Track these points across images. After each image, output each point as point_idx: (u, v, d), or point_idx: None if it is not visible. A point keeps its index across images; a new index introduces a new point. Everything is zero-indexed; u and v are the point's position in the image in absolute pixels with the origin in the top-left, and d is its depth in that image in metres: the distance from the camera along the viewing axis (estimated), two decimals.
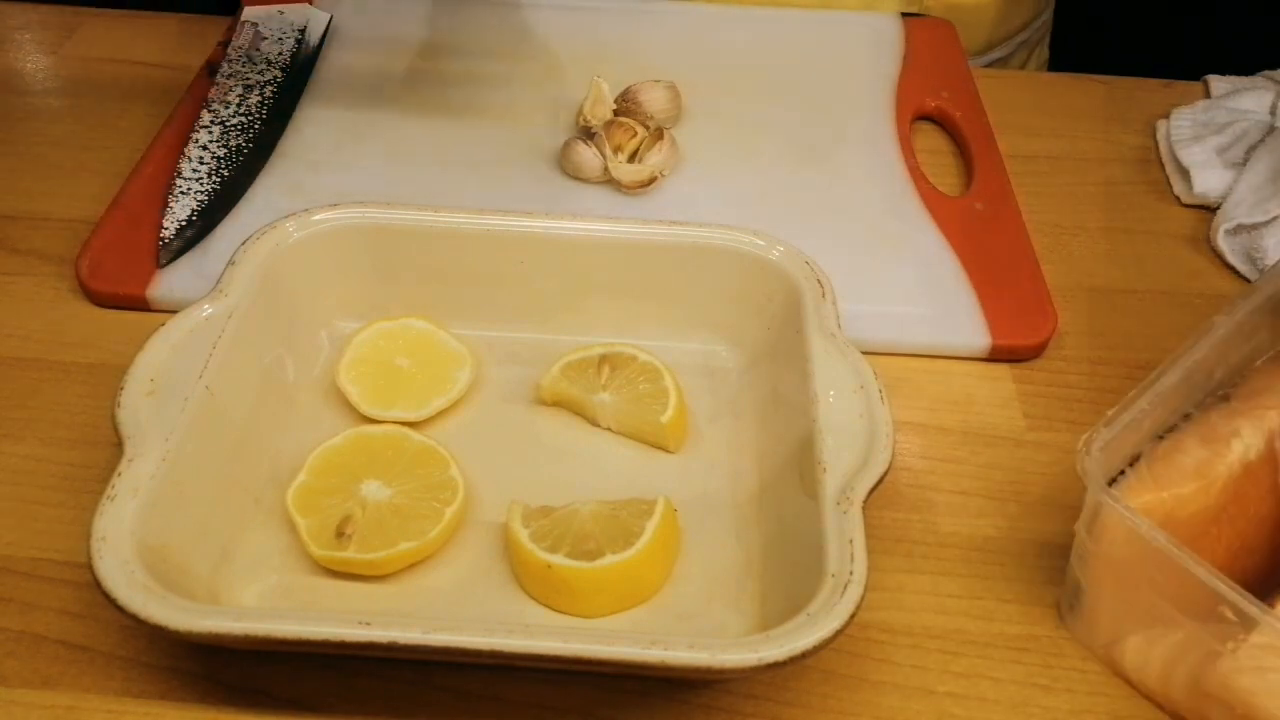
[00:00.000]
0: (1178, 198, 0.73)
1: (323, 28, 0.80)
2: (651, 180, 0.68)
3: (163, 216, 0.65)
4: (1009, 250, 0.67)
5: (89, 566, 0.43)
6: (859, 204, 0.69)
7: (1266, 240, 0.68)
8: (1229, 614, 0.42)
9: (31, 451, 0.55)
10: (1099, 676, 0.49)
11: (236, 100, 0.73)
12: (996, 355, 0.62)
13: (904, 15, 0.85)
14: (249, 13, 0.81)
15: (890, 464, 0.48)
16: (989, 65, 0.89)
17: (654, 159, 0.68)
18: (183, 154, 0.69)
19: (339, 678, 0.47)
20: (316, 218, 0.58)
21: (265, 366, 0.55)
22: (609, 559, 0.48)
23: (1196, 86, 0.82)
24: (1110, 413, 0.47)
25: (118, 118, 0.76)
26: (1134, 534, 0.44)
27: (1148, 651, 0.47)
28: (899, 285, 0.64)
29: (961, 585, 0.52)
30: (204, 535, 0.48)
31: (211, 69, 0.76)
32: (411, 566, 0.50)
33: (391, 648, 0.41)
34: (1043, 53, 0.96)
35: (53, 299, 0.63)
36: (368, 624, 0.42)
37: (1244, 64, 0.83)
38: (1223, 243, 0.69)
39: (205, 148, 0.69)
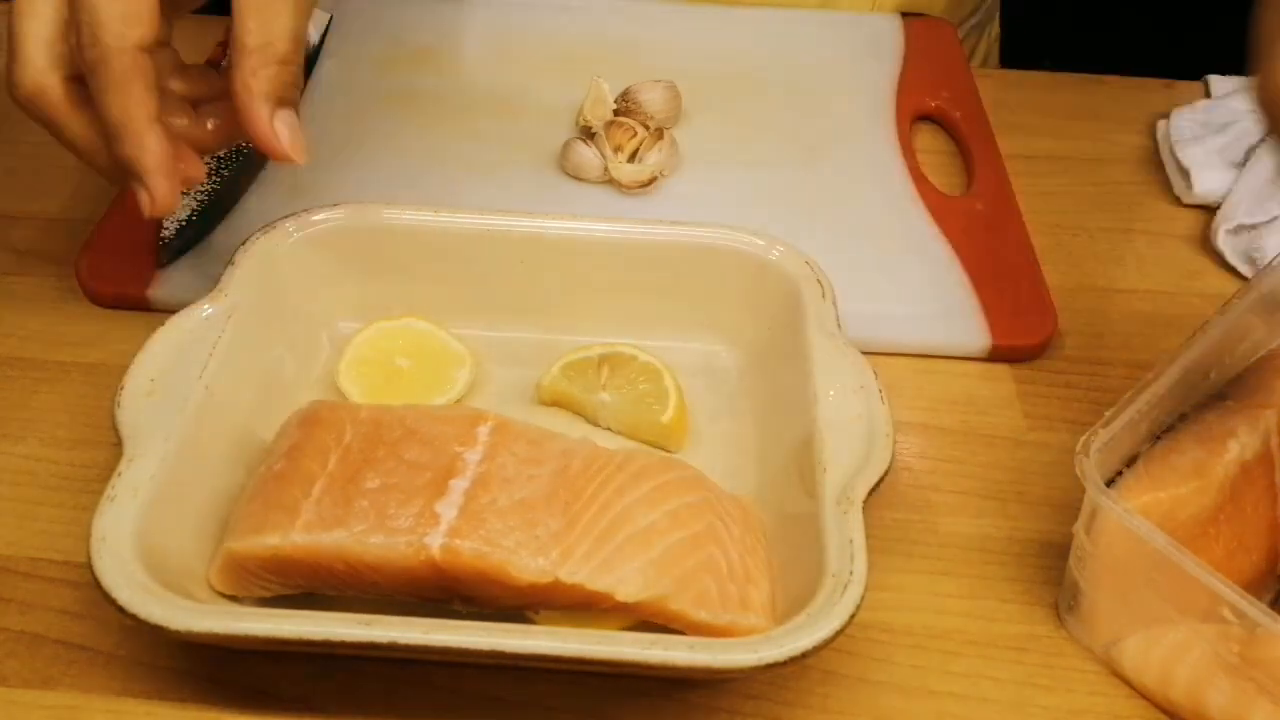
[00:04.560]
0: (1178, 198, 0.73)
1: (323, 28, 0.80)
2: (651, 180, 0.69)
3: (163, 216, 0.65)
4: (1009, 250, 0.67)
5: (89, 566, 0.43)
6: (859, 204, 0.69)
7: (1266, 240, 0.68)
8: (1228, 614, 0.42)
9: (31, 451, 0.55)
10: (1099, 676, 0.49)
11: None
12: (996, 355, 0.62)
13: (904, 15, 0.85)
14: None
15: (890, 464, 0.48)
16: None
17: (654, 159, 0.68)
18: None
19: (339, 678, 0.47)
20: (316, 218, 0.58)
21: (265, 366, 0.55)
22: None
23: (1196, 86, 0.82)
24: (1108, 414, 0.47)
25: None
26: (1132, 535, 0.44)
27: (1147, 652, 0.47)
28: (899, 285, 0.64)
29: (961, 585, 0.52)
30: (204, 535, 0.48)
31: (212, 68, 0.76)
32: None
33: (391, 648, 0.41)
34: (993, 30, 0.97)
35: (53, 299, 0.63)
36: (368, 624, 0.42)
37: (1244, 64, 0.83)
38: (1223, 243, 0.69)
39: None
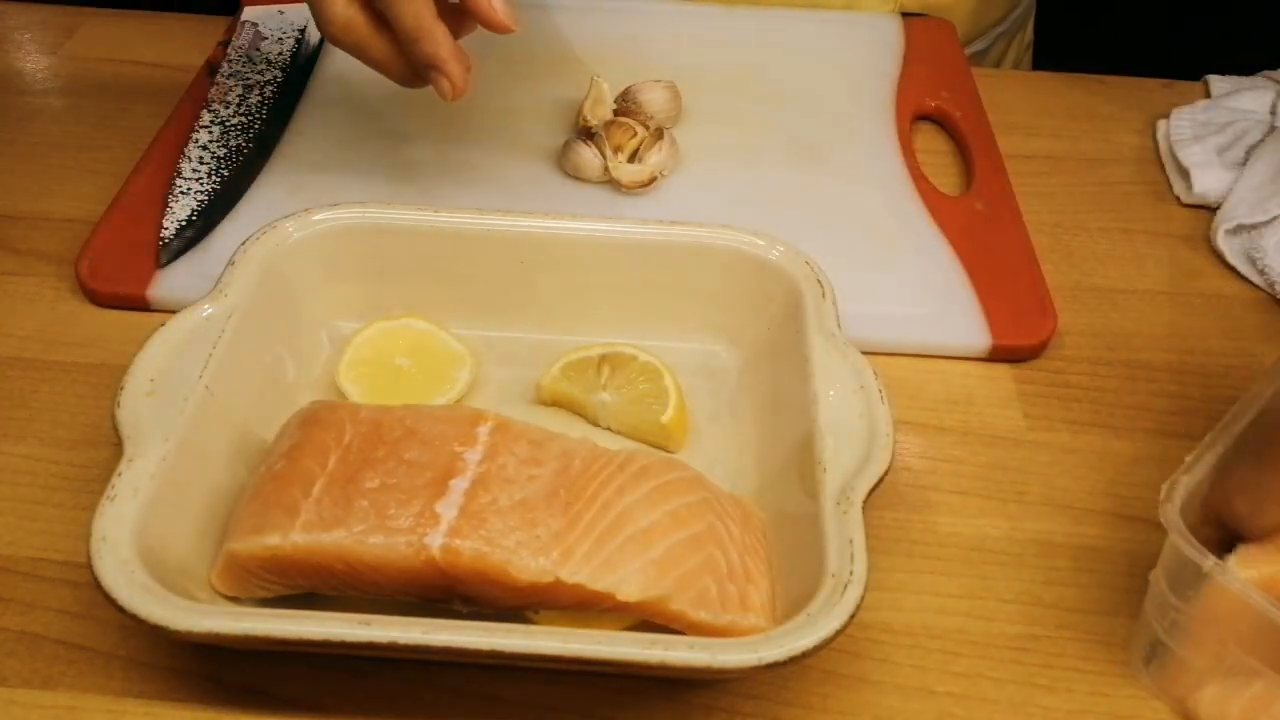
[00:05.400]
0: (1178, 198, 0.73)
1: None
2: (651, 180, 0.68)
3: (163, 216, 0.65)
4: (1009, 250, 0.67)
5: (89, 566, 0.43)
6: (859, 204, 0.69)
7: (1266, 240, 0.68)
8: None
9: (31, 451, 0.55)
10: (1099, 677, 0.49)
11: (236, 100, 0.73)
12: (996, 355, 0.62)
13: (904, 15, 0.85)
14: (249, 13, 0.81)
15: (890, 464, 0.48)
16: (969, 58, 0.89)
17: (654, 159, 0.68)
18: (183, 154, 0.69)
19: (339, 677, 0.47)
20: (316, 218, 0.58)
21: (265, 366, 0.55)
22: None
23: (1196, 86, 0.82)
24: (1188, 459, 0.45)
25: (118, 118, 0.76)
26: (1242, 603, 0.42)
27: (1225, 701, 0.46)
28: (899, 285, 0.64)
29: (961, 585, 0.52)
30: (204, 535, 0.48)
31: (211, 69, 0.76)
32: None
33: (391, 648, 0.41)
34: (1025, 37, 0.96)
35: (53, 299, 0.63)
36: (368, 624, 0.42)
37: (1244, 64, 0.83)
38: (1223, 243, 0.69)
39: (205, 148, 0.69)
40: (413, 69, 0.59)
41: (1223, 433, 0.47)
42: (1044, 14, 0.99)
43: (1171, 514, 0.43)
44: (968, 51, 0.89)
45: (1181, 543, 0.43)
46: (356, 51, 0.59)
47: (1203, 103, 0.78)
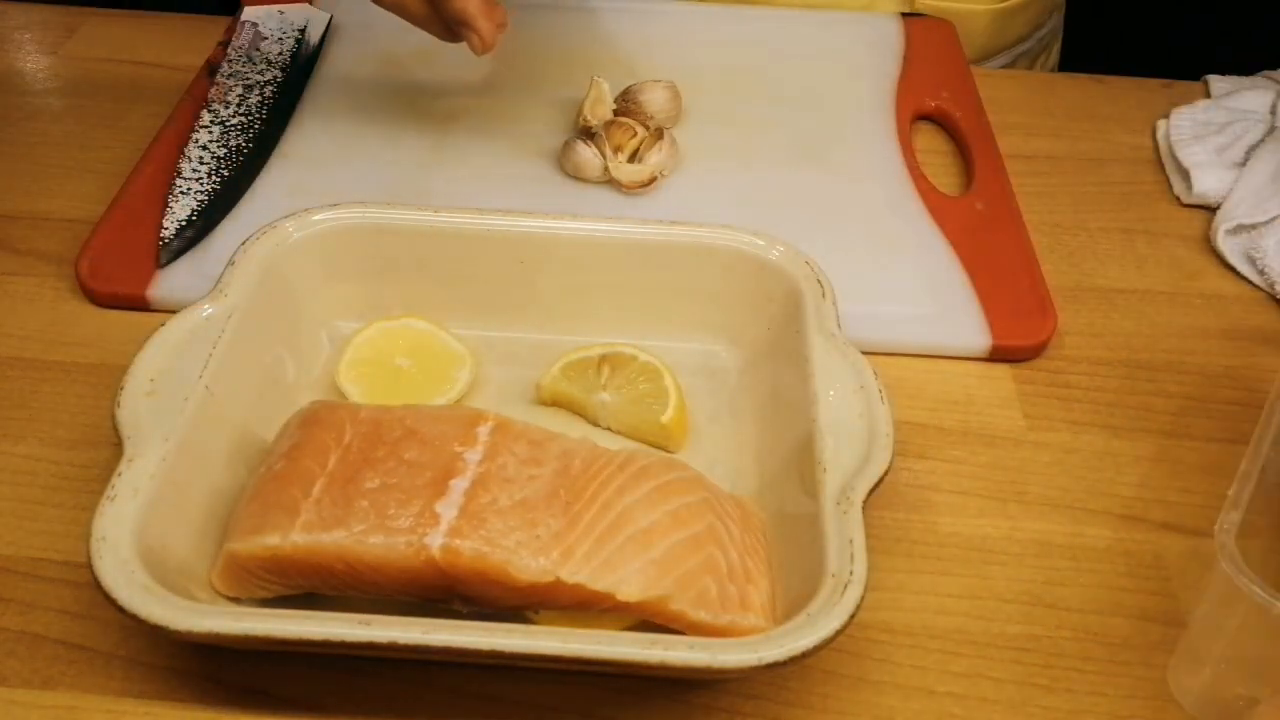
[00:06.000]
0: (1178, 198, 0.73)
1: (323, 28, 0.80)
2: (651, 180, 0.69)
3: (163, 216, 0.65)
4: (1009, 250, 0.67)
5: (89, 566, 0.43)
6: (859, 204, 0.69)
7: (1266, 240, 0.68)
8: None
9: (31, 451, 0.55)
10: (1099, 677, 0.49)
11: (236, 100, 0.73)
12: (996, 355, 0.62)
13: (904, 15, 0.85)
14: (249, 13, 0.81)
15: (890, 464, 0.48)
16: None
17: (654, 159, 0.68)
18: (183, 154, 0.69)
19: (339, 677, 0.47)
20: (316, 218, 0.58)
21: (265, 366, 0.55)
22: None
23: (1196, 86, 0.82)
24: (1231, 493, 0.45)
25: (118, 118, 0.76)
26: None
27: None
28: (899, 285, 0.64)
29: (961, 585, 0.52)
30: (204, 535, 0.48)
31: (211, 69, 0.76)
32: None
33: (391, 648, 0.41)
34: (1050, 60, 0.96)
35: (53, 299, 0.63)
36: (368, 624, 0.42)
37: (1244, 64, 0.83)
38: (1223, 243, 0.69)
39: (205, 148, 0.69)
40: (448, 25, 0.63)
41: (1254, 460, 0.46)
42: (1070, 39, 0.99)
43: (1235, 557, 0.43)
44: (988, 67, 0.89)
45: (1251, 586, 0.42)
46: (397, 10, 0.63)
47: (1203, 103, 0.78)
